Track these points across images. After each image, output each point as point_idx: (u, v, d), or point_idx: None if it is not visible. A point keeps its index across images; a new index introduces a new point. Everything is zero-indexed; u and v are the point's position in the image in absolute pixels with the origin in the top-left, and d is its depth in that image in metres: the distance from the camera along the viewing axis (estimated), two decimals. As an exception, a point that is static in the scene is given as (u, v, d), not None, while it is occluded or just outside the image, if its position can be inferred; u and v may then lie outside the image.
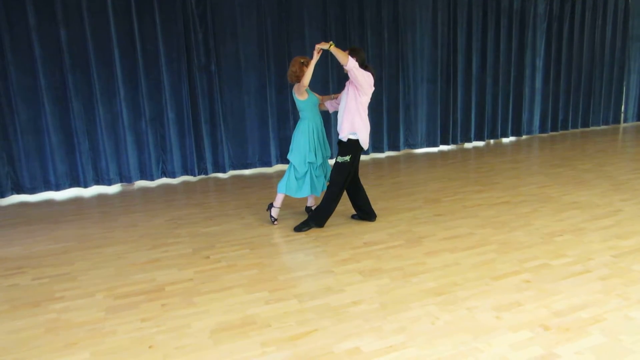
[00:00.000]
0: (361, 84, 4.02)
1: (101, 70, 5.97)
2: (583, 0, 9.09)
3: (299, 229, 4.32)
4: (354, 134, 4.14)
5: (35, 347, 2.60)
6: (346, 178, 4.23)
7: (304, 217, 4.62)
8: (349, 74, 4.03)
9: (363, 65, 4.08)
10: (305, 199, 4.95)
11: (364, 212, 4.50)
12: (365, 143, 4.21)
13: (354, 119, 4.11)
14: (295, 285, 3.23)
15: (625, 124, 10.37)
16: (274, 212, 4.55)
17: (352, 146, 4.17)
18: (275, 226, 4.49)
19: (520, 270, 3.32)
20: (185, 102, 6.44)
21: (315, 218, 4.36)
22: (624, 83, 10.10)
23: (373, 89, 4.15)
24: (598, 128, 9.98)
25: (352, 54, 4.07)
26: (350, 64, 3.92)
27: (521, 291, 3.02)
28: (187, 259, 3.76)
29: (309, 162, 4.35)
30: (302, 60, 4.26)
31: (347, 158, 4.16)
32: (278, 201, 4.51)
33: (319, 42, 4.09)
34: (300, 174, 4.39)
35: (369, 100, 4.19)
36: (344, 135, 4.18)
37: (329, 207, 4.31)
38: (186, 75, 6.38)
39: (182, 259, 3.78)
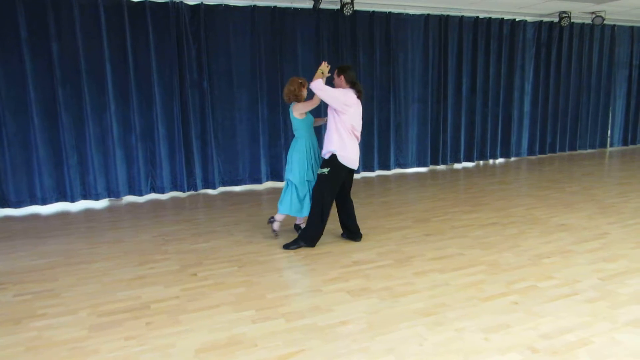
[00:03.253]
0: (330, 103, 4.05)
1: (92, 85, 5.97)
2: (570, 27, 9.31)
3: (287, 247, 4.29)
4: (335, 150, 4.13)
5: (14, 366, 2.54)
6: (326, 194, 4.18)
7: (294, 234, 4.60)
8: None
9: (351, 83, 4.12)
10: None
11: (350, 232, 4.49)
12: (347, 161, 4.14)
13: (332, 137, 4.12)
14: (283, 304, 3.20)
15: (612, 148, 10.53)
16: (276, 225, 4.60)
17: (332, 161, 4.15)
18: (264, 244, 4.45)
19: (508, 292, 3.32)
20: (176, 118, 6.44)
21: (305, 238, 4.32)
22: (610, 108, 10.29)
23: (350, 107, 4.05)
24: (585, 152, 10.12)
25: (339, 72, 4.14)
26: (312, 85, 4.00)
27: (509, 313, 3.01)
28: (174, 276, 3.71)
29: (307, 180, 4.38)
30: (300, 81, 4.33)
31: (326, 170, 4.15)
32: (280, 217, 4.59)
33: (309, 61, 4.15)
34: (302, 194, 4.41)
35: (351, 120, 4.09)
36: (324, 153, 4.22)
37: (316, 225, 4.27)
38: (178, 91, 6.39)
39: (168, 276, 3.73)
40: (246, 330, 2.85)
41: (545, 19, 9.03)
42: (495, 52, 8.70)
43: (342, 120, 4.08)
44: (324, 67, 4.18)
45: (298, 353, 2.61)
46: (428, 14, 7.97)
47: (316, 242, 4.34)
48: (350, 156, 4.15)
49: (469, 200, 6.00)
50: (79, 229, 5.09)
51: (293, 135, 4.51)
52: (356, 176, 7.74)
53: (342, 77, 4.12)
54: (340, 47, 7.33)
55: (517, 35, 8.80)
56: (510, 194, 6.31)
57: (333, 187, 4.21)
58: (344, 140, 4.10)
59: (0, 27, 5.49)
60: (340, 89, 4.08)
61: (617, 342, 2.66)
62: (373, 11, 7.50)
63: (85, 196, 6.17)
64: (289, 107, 4.41)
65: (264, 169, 7.09)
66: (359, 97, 4.14)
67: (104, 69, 5.98)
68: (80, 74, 5.87)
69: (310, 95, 4.22)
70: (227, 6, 6.56)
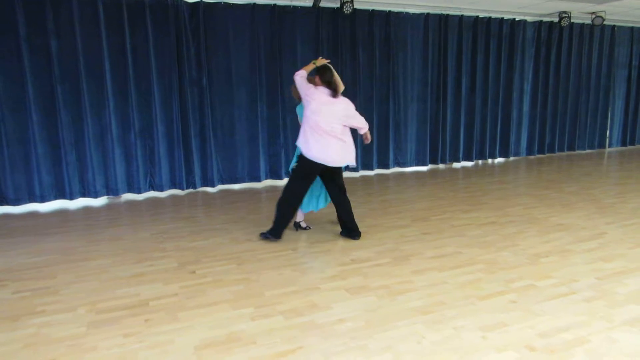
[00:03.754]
0: (299, 93, 4.25)
1: (91, 82, 5.95)
2: (570, 27, 9.32)
3: (261, 234, 4.48)
4: (299, 144, 4.25)
5: (13, 362, 2.54)
6: (292, 187, 4.29)
7: (293, 231, 4.61)
8: None
9: (326, 83, 4.18)
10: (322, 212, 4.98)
11: (349, 230, 4.50)
12: (312, 157, 4.13)
13: (300, 132, 4.26)
14: (282, 302, 3.20)
15: (610, 149, 10.55)
16: (302, 224, 4.73)
17: (300, 155, 4.28)
18: (263, 242, 4.44)
19: (506, 291, 3.33)
20: (175, 116, 6.44)
21: (272, 230, 4.40)
22: (609, 109, 10.31)
23: (309, 103, 4.12)
24: (584, 152, 10.13)
25: (316, 72, 4.28)
26: (297, 72, 4.28)
27: (507, 311, 3.02)
28: (173, 274, 3.72)
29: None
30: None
31: (294, 164, 4.33)
32: (300, 216, 4.69)
33: (308, 59, 4.23)
34: (315, 189, 4.53)
35: (315, 116, 4.09)
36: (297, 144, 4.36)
37: (281, 216, 4.35)
38: (177, 88, 6.39)
39: (167, 273, 3.73)
40: (244, 328, 2.86)
41: (545, 19, 9.04)
42: (495, 51, 8.71)
43: (306, 116, 4.18)
44: (319, 60, 4.35)
45: (296, 350, 2.61)
46: (428, 13, 7.97)
47: (281, 235, 4.41)
48: (313, 153, 4.14)
49: (467, 200, 6.01)
50: (78, 227, 5.09)
51: (293, 134, 4.53)
52: (355, 175, 7.75)
53: (317, 77, 4.24)
54: (339, 46, 7.33)
55: (516, 35, 8.81)
56: (509, 194, 6.32)
57: (301, 181, 4.29)
58: (306, 137, 4.17)
59: (-1, 23, 5.49)
60: (311, 85, 4.23)
61: (614, 341, 2.67)
62: (373, 10, 7.50)
63: (84, 194, 6.17)
64: (289, 104, 4.46)
65: (263, 167, 7.09)
66: (333, 95, 4.16)
67: (102, 67, 5.97)
68: (79, 72, 5.86)
69: None
70: (226, 4, 6.55)
